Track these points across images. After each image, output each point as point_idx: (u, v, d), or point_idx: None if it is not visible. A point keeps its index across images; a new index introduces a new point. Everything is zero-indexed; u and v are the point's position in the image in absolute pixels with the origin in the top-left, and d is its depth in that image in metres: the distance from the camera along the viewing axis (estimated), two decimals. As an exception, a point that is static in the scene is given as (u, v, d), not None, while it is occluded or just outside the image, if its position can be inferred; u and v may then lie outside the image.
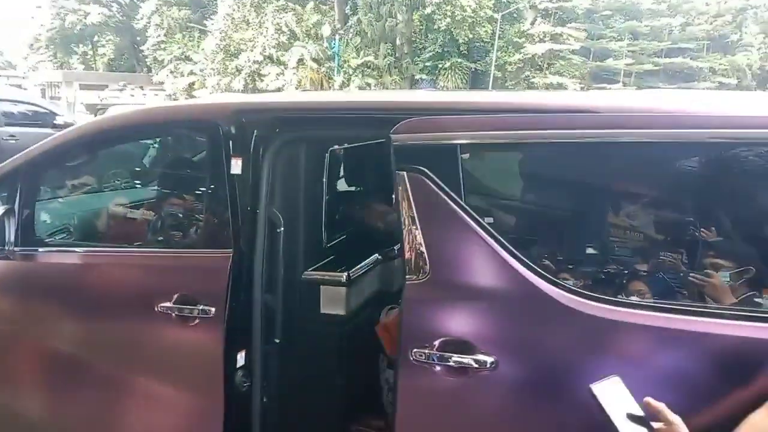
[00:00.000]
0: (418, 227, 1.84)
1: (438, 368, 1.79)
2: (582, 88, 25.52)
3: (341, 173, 3.19)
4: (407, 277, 1.86)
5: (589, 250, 1.96)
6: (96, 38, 42.97)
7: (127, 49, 42.24)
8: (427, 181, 1.82)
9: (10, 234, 2.50)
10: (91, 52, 44.04)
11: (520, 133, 1.80)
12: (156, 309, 2.24)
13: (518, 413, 1.78)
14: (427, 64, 26.30)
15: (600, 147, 1.76)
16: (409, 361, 1.81)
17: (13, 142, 9.39)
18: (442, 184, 1.81)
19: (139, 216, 2.75)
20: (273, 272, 2.42)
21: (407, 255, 1.86)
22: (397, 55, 26.54)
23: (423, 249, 1.84)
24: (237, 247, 2.22)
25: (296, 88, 26.04)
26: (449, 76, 25.64)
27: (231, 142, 2.24)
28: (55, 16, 39.95)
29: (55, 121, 10.07)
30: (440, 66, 26.01)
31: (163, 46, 32.57)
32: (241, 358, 2.26)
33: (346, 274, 2.56)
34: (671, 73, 29.16)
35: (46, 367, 2.54)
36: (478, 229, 1.78)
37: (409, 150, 1.84)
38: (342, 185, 3.38)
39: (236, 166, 2.23)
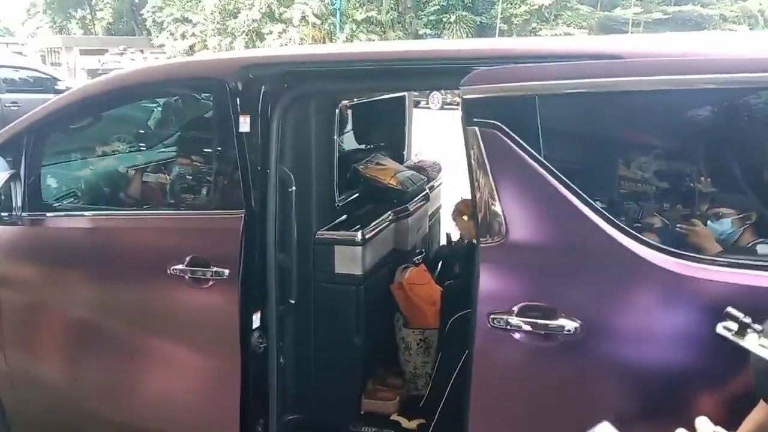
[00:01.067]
0: (493, 186, 1.72)
1: (518, 334, 1.71)
2: (590, 40, 25.06)
3: (351, 129, 3.12)
4: (481, 239, 1.75)
5: (680, 207, 1.81)
6: (94, 2, 42.31)
7: (126, 12, 41.59)
8: (503, 136, 1.69)
9: (17, 199, 2.45)
10: (89, 17, 43.40)
11: (604, 81, 1.64)
12: (168, 272, 2.20)
13: (604, 380, 1.69)
14: (431, 18, 25.77)
15: (694, 95, 1.63)
16: (486, 326, 1.73)
17: (15, 108, 9.31)
18: (520, 139, 1.68)
19: (149, 178, 2.69)
20: (286, 232, 2.37)
21: (481, 216, 1.75)
22: (400, 9, 26.02)
23: (499, 209, 1.72)
24: (249, 208, 2.17)
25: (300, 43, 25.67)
26: (454, 30, 25.12)
27: (238, 99, 2.16)
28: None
29: (56, 87, 9.95)
30: (445, 20, 25.48)
31: (161, 7, 32.02)
32: (256, 320, 2.24)
33: (360, 233, 2.50)
34: (681, 21, 28.51)
35: (59, 332, 2.53)
36: (560, 186, 1.65)
37: (482, 103, 1.71)
38: (352, 142, 3.31)
39: (244, 124, 2.16)
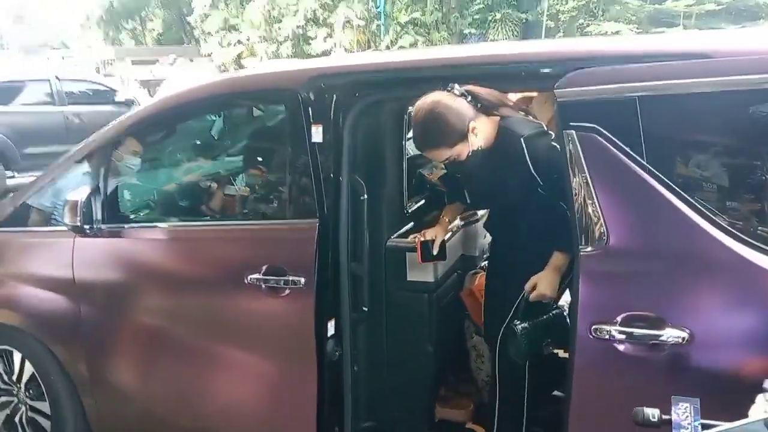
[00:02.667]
0: (593, 191, 1.68)
1: (622, 346, 1.67)
2: (640, 34, 24.42)
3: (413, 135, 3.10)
4: (581, 247, 1.72)
5: None
6: (144, 13, 43.49)
7: (175, 22, 42.50)
8: (602, 139, 1.65)
9: (97, 211, 2.53)
10: (140, 28, 44.62)
11: (708, 81, 1.59)
12: (246, 281, 2.24)
13: (712, 390, 1.61)
14: (476, 17, 25.43)
15: None
16: (587, 337, 1.69)
17: (78, 121, 9.62)
18: (620, 143, 1.64)
19: (229, 191, 2.74)
20: (358, 240, 2.38)
21: (580, 223, 1.72)
22: (444, 10, 25.87)
23: (600, 215, 1.68)
24: (322, 216, 2.19)
25: (344, 50, 25.80)
26: (499, 28, 24.80)
27: (311, 109, 2.18)
28: (104, -7, 40.51)
29: (115, 98, 10.23)
30: (490, 18, 25.18)
31: (207, 15, 32.68)
32: (331, 327, 2.26)
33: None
34: (735, 12, 27.55)
35: (139, 341, 2.60)
36: (664, 190, 1.61)
37: (579, 106, 1.69)
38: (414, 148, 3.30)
39: (317, 134, 2.18)
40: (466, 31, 26.82)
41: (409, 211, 2.66)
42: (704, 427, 1.34)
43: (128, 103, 10.20)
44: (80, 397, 2.68)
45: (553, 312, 2.15)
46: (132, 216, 2.71)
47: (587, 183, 1.69)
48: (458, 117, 2.04)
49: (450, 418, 2.68)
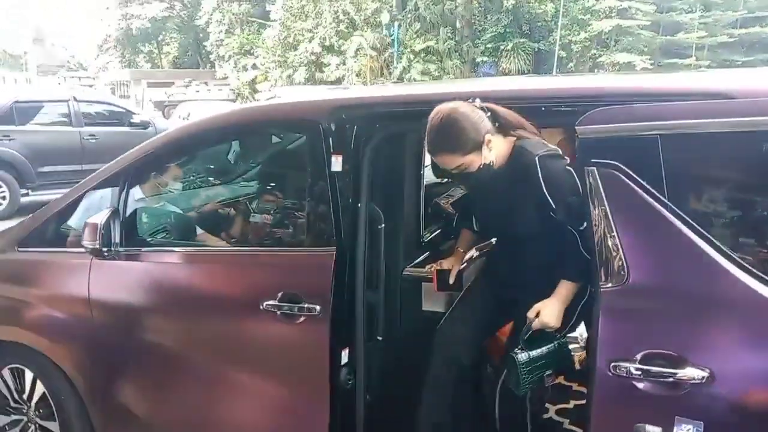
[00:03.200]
0: (614, 228, 1.69)
1: (641, 383, 1.66)
2: (652, 65, 24.53)
3: (429, 164, 3.12)
4: (601, 283, 1.72)
5: None
6: (161, 37, 44.24)
7: (191, 46, 43.31)
8: (623, 176, 1.66)
9: (115, 234, 2.55)
10: (156, 51, 45.39)
11: (729, 121, 1.60)
12: (261, 307, 2.24)
13: (733, 429, 1.63)
14: (488, 45, 25.75)
15: None
16: (606, 374, 1.68)
17: (94, 141, 9.76)
18: (641, 180, 1.65)
19: (255, 218, 2.77)
20: (374, 269, 2.39)
21: (600, 259, 1.72)
22: (457, 38, 26.15)
23: (620, 252, 1.68)
24: (340, 245, 2.20)
25: (357, 76, 26.06)
26: (512, 57, 25.02)
27: (331, 139, 2.21)
28: (122, 18, 41.34)
29: (131, 120, 10.36)
30: (502, 47, 25.42)
31: (224, 41, 33.20)
32: (344, 356, 2.25)
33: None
34: (748, 44, 27.66)
35: (153, 365, 2.59)
36: (685, 228, 1.62)
37: (600, 143, 1.70)
38: (430, 175, 3.32)
39: (336, 164, 2.21)
40: (479, 60, 27.10)
41: (426, 240, 2.67)
42: None
43: (144, 125, 10.33)
44: (90, 419, 2.67)
45: (557, 342, 2.10)
46: (149, 240, 2.73)
47: (607, 219, 1.70)
48: (474, 126, 2.00)
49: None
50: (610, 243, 1.70)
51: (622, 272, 1.68)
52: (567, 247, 1.97)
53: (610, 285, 1.70)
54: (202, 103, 20.76)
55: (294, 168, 2.66)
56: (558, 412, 3.01)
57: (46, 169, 9.32)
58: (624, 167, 1.66)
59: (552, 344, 2.08)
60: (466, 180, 2.17)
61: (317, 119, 2.23)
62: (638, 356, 1.65)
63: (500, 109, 2.08)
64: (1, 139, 9.00)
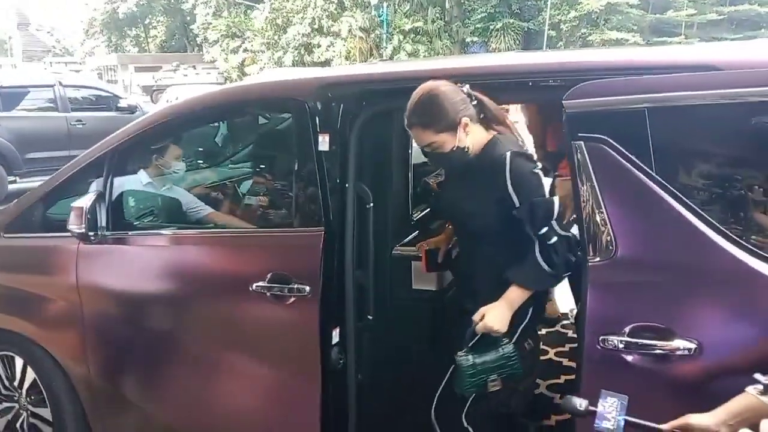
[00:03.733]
0: (601, 202, 1.68)
1: (630, 357, 1.66)
2: (642, 43, 24.49)
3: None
4: (588, 258, 1.72)
5: None
6: (147, 20, 43.72)
7: (178, 29, 42.86)
8: (611, 150, 1.66)
9: (101, 218, 2.52)
10: (143, 35, 44.89)
11: (716, 93, 1.59)
12: (251, 288, 2.23)
13: (722, 401, 1.58)
14: (478, 26, 25.65)
15: None
16: (595, 347, 1.69)
17: (81, 126, 9.65)
18: (629, 154, 1.64)
19: (250, 201, 2.74)
20: (363, 249, 2.38)
21: (587, 233, 1.72)
22: (446, 18, 26.00)
23: (608, 226, 1.68)
24: (328, 225, 2.19)
25: (346, 59, 25.89)
26: (501, 37, 24.94)
27: (317, 118, 2.19)
28: (108, 1, 40.83)
29: (118, 104, 10.27)
30: (492, 27, 25.32)
31: (211, 24, 32.86)
32: (335, 336, 2.25)
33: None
34: (737, 21, 27.66)
35: (143, 348, 2.59)
36: (673, 201, 1.61)
37: (587, 117, 1.69)
38: (419, 155, 3.31)
39: (323, 143, 2.19)
40: (468, 40, 26.97)
41: (415, 219, 2.66)
42: (629, 424, 1.36)
43: (131, 110, 10.24)
44: (82, 404, 2.67)
45: (503, 347, 1.97)
46: (136, 223, 2.70)
47: (595, 193, 1.69)
48: (453, 106, 1.96)
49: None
50: (597, 217, 1.70)
51: (610, 246, 1.68)
52: (523, 250, 1.91)
53: (598, 259, 1.71)
54: (191, 87, 20.57)
55: (281, 148, 2.64)
56: (549, 388, 3.02)
57: (33, 155, 9.22)
58: (611, 141, 1.66)
59: (497, 350, 1.96)
60: (438, 160, 2.11)
61: (303, 98, 2.21)
62: (627, 329, 1.65)
63: (489, 102, 2.05)
64: (-18, 125, 8.89)
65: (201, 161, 3.26)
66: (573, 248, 1.88)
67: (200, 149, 3.31)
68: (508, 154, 1.93)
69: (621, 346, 1.66)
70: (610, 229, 1.68)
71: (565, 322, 3.67)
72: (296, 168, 2.34)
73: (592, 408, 1.41)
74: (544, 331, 3.05)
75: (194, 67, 31.41)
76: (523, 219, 1.89)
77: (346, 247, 2.26)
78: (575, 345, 3.44)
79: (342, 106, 2.18)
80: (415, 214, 2.69)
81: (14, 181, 9.20)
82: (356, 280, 2.33)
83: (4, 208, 3.00)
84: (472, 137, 2.02)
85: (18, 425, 2.84)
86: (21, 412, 2.83)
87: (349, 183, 2.24)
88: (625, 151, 1.65)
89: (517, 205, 1.91)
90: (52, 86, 9.76)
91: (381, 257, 2.44)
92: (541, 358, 2.97)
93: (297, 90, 2.29)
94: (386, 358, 2.52)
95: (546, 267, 1.87)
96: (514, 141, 2.07)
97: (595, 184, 1.69)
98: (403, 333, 2.50)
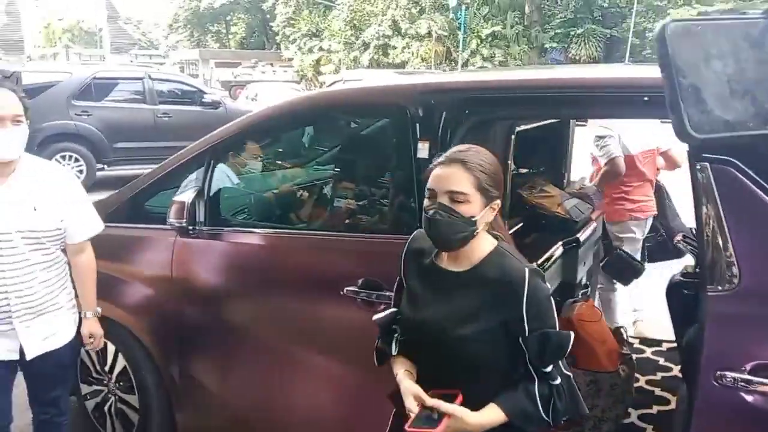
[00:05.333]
0: (726, 229, 1.58)
1: (750, 397, 1.56)
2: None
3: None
4: (709, 287, 1.62)
5: None
6: (228, 17, 45.00)
7: (258, 27, 43.95)
8: (738, 173, 1.56)
9: (200, 213, 2.58)
10: (224, 31, 46.25)
11: None
12: (342, 292, 2.22)
13: None
14: (558, 31, 25.08)
15: None
16: (710, 384, 1.59)
17: (167, 119, 10.01)
18: (758, 178, 1.54)
19: (339, 203, 2.75)
20: None
21: (708, 261, 1.62)
22: (525, 23, 25.57)
23: (732, 254, 1.58)
24: None
25: (422, 61, 25.87)
26: (582, 43, 24.31)
27: (418, 125, 2.16)
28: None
29: (203, 99, 10.57)
30: (572, 33, 24.72)
31: (291, 23, 33.52)
32: None
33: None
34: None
35: (231, 344, 2.62)
36: None
37: (714, 138, 1.54)
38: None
39: (423, 150, 2.15)
40: (547, 45, 26.44)
41: (509, 233, 2.58)
42: None
43: (215, 105, 10.52)
44: (169, 394, 2.73)
45: None
46: (232, 220, 2.75)
47: (719, 218, 1.59)
48: (500, 177, 1.63)
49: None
50: (720, 244, 1.59)
51: (733, 276, 1.57)
52: (520, 384, 1.56)
53: (719, 289, 1.60)
54: (269, 84, 21.05)
55: (377, 153, 2.62)
56: (641, 417, 2.89)
57: (121, 145, 9.62)
58: (739, 163, 1.55)
59: None
60: (437, 228, 1.57)
61: (404, 104, 2.18)
62: (748, 366, 1.55)
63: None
64: (80, 114, 9.31)
65: (288, 161, 3.28)
66: (574, 394, 1.59)
67: (290, 150, 3.33)
68: (527, 270, 1.56)
69: (740, 384, 1.55)
70: (734, 258, 1.57)
71: (654, 348, 3.52)
72: (392, 174, 2.31)
73: None
74: (633, 357, 2.90)
75: (272, 64, 32.14)
76: (530, 350, 1.54)
77: None
78: (667, 374, 3.30)
79: (444, 113, 2.14)
80: (509, 228, 2.61)
81: (102, 169, 9.62)
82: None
83: (106, 198, 3.10)
84: (483, 232, 1.61)
85: (106, 409, 2.94)
86: (109, 396, 2.93)
87: None
88: (754, 174, 1.54)
89: (527, 333, 1.53)
90: (141, 79, 10.14)
91: (474, 269, 2.38)
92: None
93: (399, 95, 2.27)
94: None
95: (542, 412, 1.53)
96: (519, 254, 1.68)
97: (720, 208, 1.58)
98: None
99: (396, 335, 1.76)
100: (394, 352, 1.76)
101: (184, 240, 2.61)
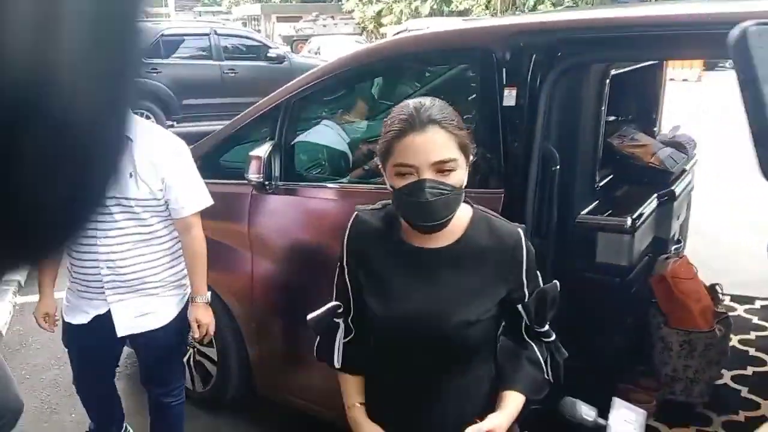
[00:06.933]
0: None
1: None
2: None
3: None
4: None
5: None
6: (289, -30, 44.57)
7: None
8: None
9: (275, 168, 2.52)
10: (285, -15, 45.85)
11: None
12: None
13: None
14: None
15: None
16: None
17: (233, 75, 10.03)
18: None
19: None
20: (544, 215, 2.19)
21: None
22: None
23: None
24: (509, 187, 2.02)
25: (486, 8, 25.02)
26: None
27: (505, 69, 2.00)
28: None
29: (268, 54, 10.52)
30: (647, -25, 23.28)
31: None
32: None
33: (630, 219, 2.25)
34: None
35: (305, 299, 2.59)
36: None
37: None
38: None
39: (510, 97, 2.01)
40: (621, -12, 25.00)
41: (599, 185, 2.42)
42: None
43: (280, 60, 10.46)
44: (246, 348, 2.74)
45: None
46: (306, 174, 2.68)
47: None
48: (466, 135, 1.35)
49: (630, 414, 2.46)
50: None
51: None
52: (519, 356, 1.44)
53: None
54: (331, 37, 20.85)
55: (458, 102, 2.48)
56: (734, 379, 2.72)
57: (189, 101, 9.72)
58: None
59: None
60: (423, 207, 1.28)
61: (490, 47, 2.03)
62: None
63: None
64: (149, 71, 9.43)
65: (359, 114, 3.17)
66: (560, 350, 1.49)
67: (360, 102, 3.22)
68: (521, 231, 1.41)
69: None
70: None
71: (747, 306, 3.30)
72: (476, 123, 2.18)
73: (601, 421, 1.15)
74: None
75: (333, 17, 31.76)
76: (529, 314, 1.41)
77: (526, 211, 2.08)
78: (762, 333, 3.10)
79: (534, 56, 1.98)
80: (601, 180, 2.44)
81: (172, 126, 9.77)
82: (535, 249, 2.15)
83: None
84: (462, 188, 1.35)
85: (185, 360, 3.00)
86: (188, 349, 2.97)
87: (534, 142, 2.04)
88: None
89: (527, 298, 1.40)
90: (207, 35, 10.16)
91: (563, 225, 2.24)
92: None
93: (485, 38, 2.12)
94: (561, 333, 2.34)
95: (546, 372, 1.43)
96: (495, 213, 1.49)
97: None
98: (584, 308, 2.31)
99: (340, 338, 1.51)
100: (337, 364, 1.50)
101: (259, 195, 2.57)
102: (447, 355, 1.38)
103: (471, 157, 1.34)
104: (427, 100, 1.31)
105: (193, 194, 2.15)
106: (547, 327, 1.45)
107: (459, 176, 1.29)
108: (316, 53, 16.90)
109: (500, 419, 1.35)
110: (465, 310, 1.35)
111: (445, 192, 1.26)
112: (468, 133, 1.33)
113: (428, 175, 1.26)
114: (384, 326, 1.41)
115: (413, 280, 1.38)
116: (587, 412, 1.15)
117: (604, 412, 2.33)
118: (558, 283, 1.47)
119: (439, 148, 1.26)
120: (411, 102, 1.32)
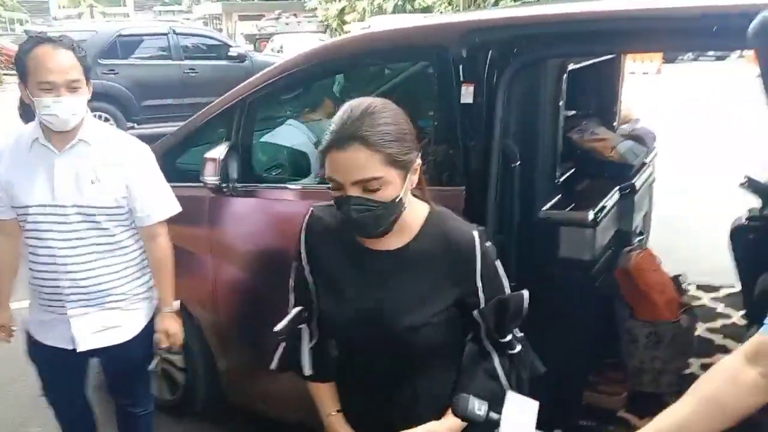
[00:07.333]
0: None
1: None
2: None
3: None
4: None
5: None
6: (250, -32, 44.15)
7: (280, -24, 42.97)
8: None
9: (233, 170, 2.46)
10: (246, -17, 45.42)
11: None
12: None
13: None
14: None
15: None
16: None
17: (193, 74, 9.88)
18: None
19: None
20: (506, 211, 2.18)
21: None
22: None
23: None
24: (469, 184, 2.01)
25: (449, 4, 25.13)
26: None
27: (462, 66, 1.98)
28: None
29: (229, 53, 10.38)
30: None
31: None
32: None
33: (591, 213, 2.25)
34: None
35: (271, 304, 2.54)
36: None
37: None
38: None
39: (467, 95, 1.99)
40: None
41: (560, 180, 2.42)
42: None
43: (241, 58, 10.34)
44: (212, 352, 2.68)
45: None
46: (265, 176, 2.63)
47: None
48: (413, 135, 1.29)
49: (599, 405, 2.47)
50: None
51: None
52: (477, 365, 1.38)
53: None
54: (294, 35, 20.72)
55: (415, 100, 2.45)
56: (702, 367, 2.75)
57: (149, 102, 9.55)
58: None
59: None
60: (358, 222, 1.24)
61: (446, 44, 2.01)
62: None
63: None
64: (106, 73, 9.23)
65: (318, 113, 3.13)
66: (531, 355, 1.45)
67: (320, 101, 3.18)
68: (476, 233, 1.35)
69: None
70: None
71: (712, 295, 3.36)
72: (435, 121, 2.16)
73: (494, 415, 1.12)
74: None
75: (295, 15, 31.58)
76: (487, 322, 1.35)
77: (488, 208, 2.07)
78: (728, 321, 3.15)
79: (490, 53, 1.96)
80: (561, 175, 2.44)
81: (132, 128, 9.56)
82: (498, 245, 2.14)
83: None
84: (411, 200, 1.33)
85: (152, 368, 2.92)
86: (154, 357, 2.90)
87: (494, 139, 2.03)
88: None
89: (482, 304, 1.35)
90: (166, 34, 10.00)
91: (525, 221, 2.24)
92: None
93: (441, 35, 2.09)
94: (525, 328, 2.34)
95: (507, 387, 1.35)
96: (455, 215, 1.43)
97: None
98: (548, 303, 2.30)
99: (306, 345, 1.44)
100: (308, 372, 1.45)
101: (217, 198, 2.51)
102: (400, 357, 1.34)
103: (416, 162, 1.28)
104: (359, 109, 1.22)
105: (160, 201, 2.05)
106: (509, 338, 1.38)
107: (389, 191, 1.23)
108: (278, 52, 16.78)
109: (437, 428, 1.32)
110: (413, 313, 1.31)
111: (372, 207, 1.22)
112: (408, 141, 1.25)
113: (353, 191, 1.21)
114: (336, 326, 1.39)
115: (364, 281, 1.35)
116: (479, 407, 1.12)
117: (568, 406, 2.35)
118: (526, 294, 1.41)
119: (359, 168, 1.19)
120: (344, 109, 1.25)
